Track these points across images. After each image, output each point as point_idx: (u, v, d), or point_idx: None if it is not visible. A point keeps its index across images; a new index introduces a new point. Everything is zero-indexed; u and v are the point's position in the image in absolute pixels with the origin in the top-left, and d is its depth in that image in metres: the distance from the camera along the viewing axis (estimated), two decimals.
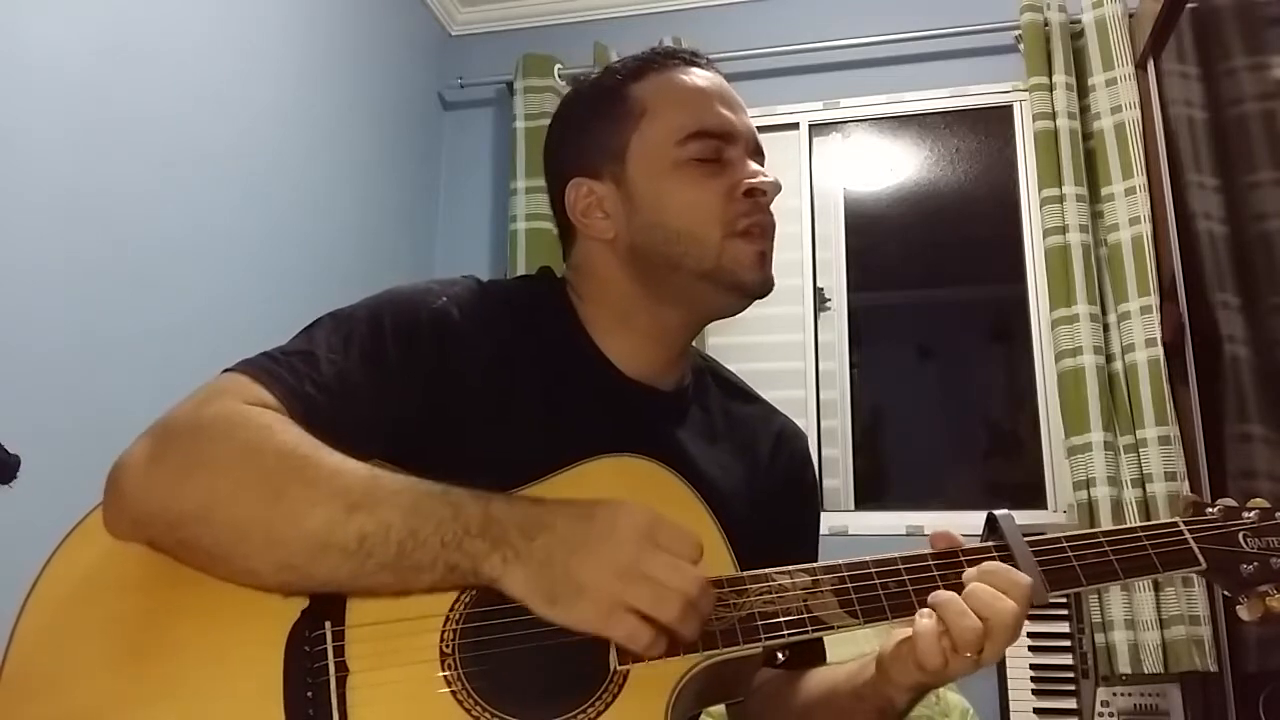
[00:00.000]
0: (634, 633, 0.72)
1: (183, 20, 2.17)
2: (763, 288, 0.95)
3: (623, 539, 0.73)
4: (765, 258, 0.95)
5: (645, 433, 0.94)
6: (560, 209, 1.00)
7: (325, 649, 0.76)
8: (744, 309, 0.98)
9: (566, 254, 1.03)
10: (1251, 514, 0.87)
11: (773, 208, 0.97)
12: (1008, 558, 0.81)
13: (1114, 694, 2.33)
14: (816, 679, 0.97)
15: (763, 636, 0.78)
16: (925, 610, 0.78)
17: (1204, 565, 0.84)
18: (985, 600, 0.76)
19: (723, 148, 0.94)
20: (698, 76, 0.98)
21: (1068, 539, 0.83)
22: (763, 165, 0.97)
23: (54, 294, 1.81)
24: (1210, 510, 0.87)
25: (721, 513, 0.86)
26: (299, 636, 0.76)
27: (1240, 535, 0.85)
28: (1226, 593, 0.86)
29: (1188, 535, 0.85)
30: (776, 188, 0.95)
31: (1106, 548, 0.83)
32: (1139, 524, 0.87)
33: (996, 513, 0.84)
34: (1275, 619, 0.83)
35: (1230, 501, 0.88)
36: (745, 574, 0.81)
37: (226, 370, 0.84)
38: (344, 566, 0.74)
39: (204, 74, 2.23)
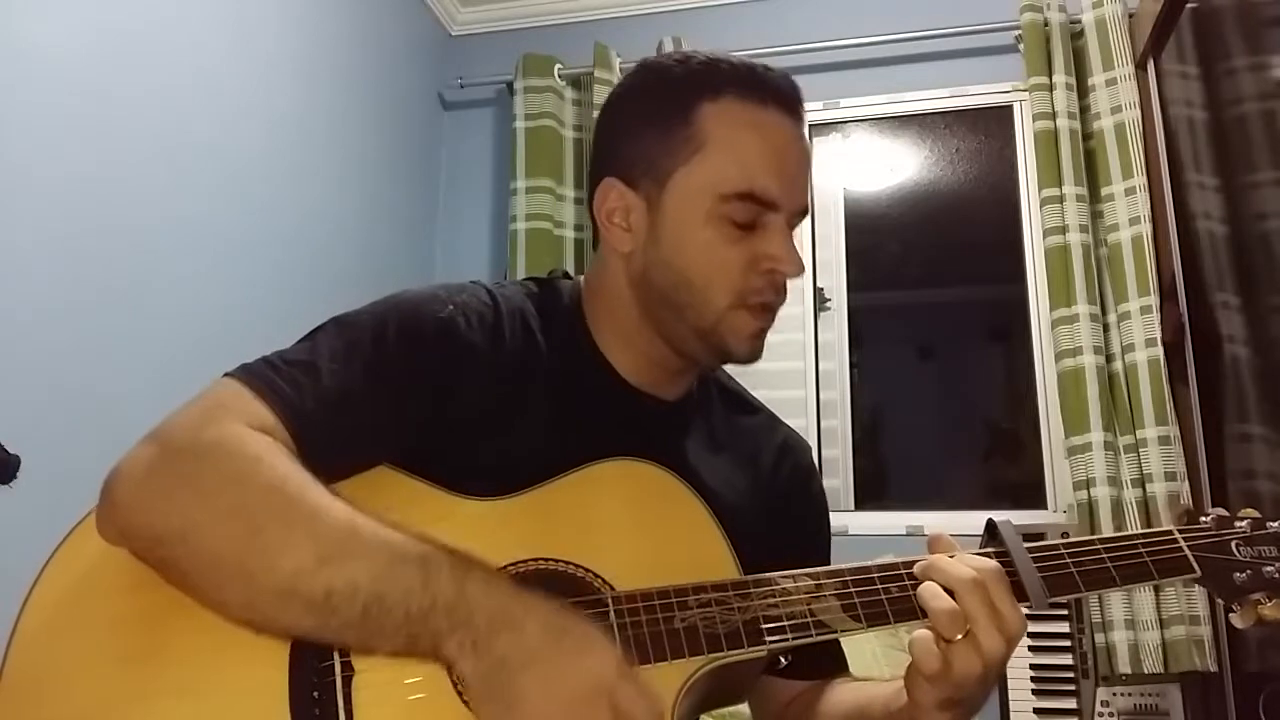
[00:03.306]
0: None
1: (182, 20, 2.17)
2: (747, 361, 0.95)
3: (582, 678, 0.69)
4: (761, 335, 0.94)
5: (649, 442, 0.93)
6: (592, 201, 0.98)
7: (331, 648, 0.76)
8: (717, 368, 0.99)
9: (596, 248, 1.02)
10: (1243, 523, 0.88)
11: None
12: (1007, 563, 0.81)
13: (1114, 694, 2.33)
14: (849, 694, 0.96)
15: (766, 640, 0.78)
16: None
17: (1198, 573, 0.85)
18: (942, 568, 0.78)
19: (764, 214, 0.90)
20: (772, 121, 0.91)
21: (1066, 546, 0.84)
22: (801, 222, 0.95)
23: (54, 294, 1.81)
24: (1204, 519, 0.89)
25: (724, 523, 0.86)
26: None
27: (1233, 544, 0.87)
28: (1220, 600, 0.87)
29: (1183, 543, 0.86)
30: (800, 273, 0.92)
31: (1104, 555, 0.84)
32: (1135, 531, 0.88)
33: (996, 519, 0.85)
34: (1267, 626, 0.84)
35: (1222, 511, 0.89)
36: (749, 578, 0.81)
37: (227, 375, 0.84)
38: (308, 618, 0.72)
39: (203, 74, 2.23)
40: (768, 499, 1.02)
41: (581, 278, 1.03)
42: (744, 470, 1.02)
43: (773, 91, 0.92)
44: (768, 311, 0.93)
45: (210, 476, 0.75)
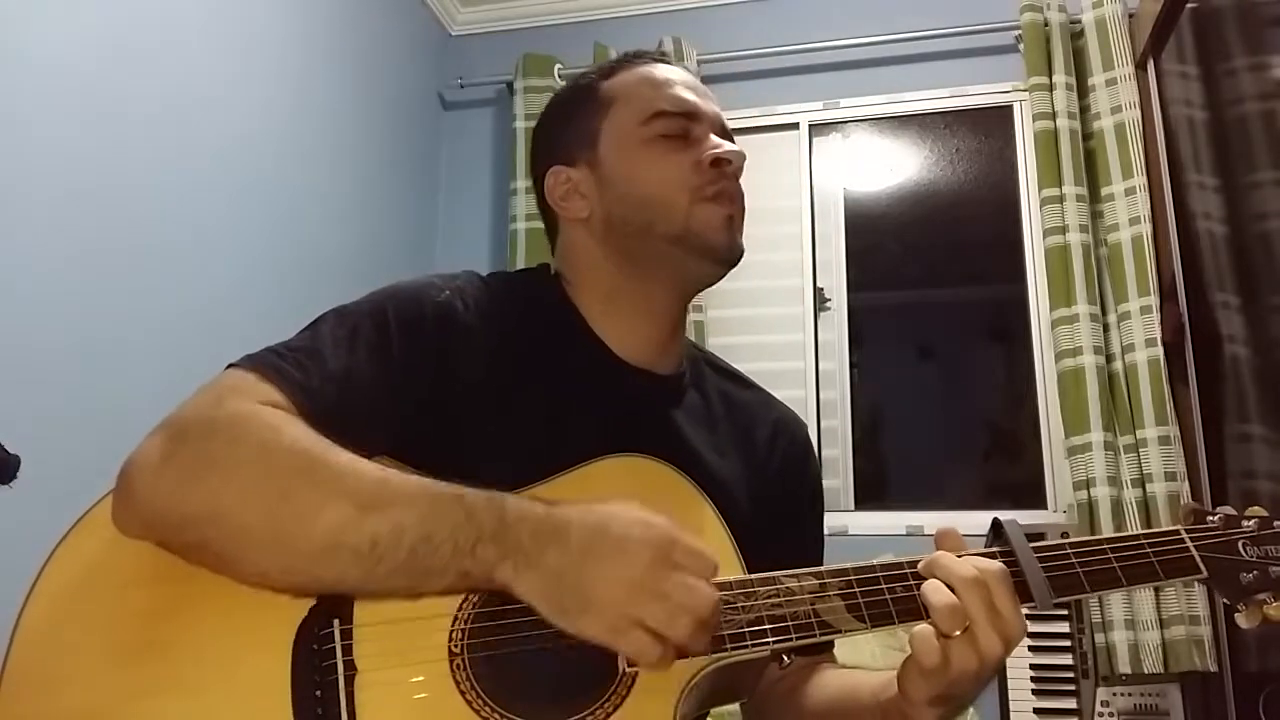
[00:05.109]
0: (642, 649, 0.72)
1: (183, 20, 2.17)
2: (730, 251, 0.97)
3: (638, 552, 0.72)
4: (734, 222, 0.97)
5: (645, 419, 0.95)
6: (544, 202, 1.03)
7: (334, 647, 0.76)
8: (720, 277, 1.00)
9: (553, 247, 1.05)
10: (1251, 523, 0.87)
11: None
12: (1012, 563, 0.81)
13: (1114, 694, 2.33)
14: (836, 680, 0.97)
15: (770, 640, 0.78)
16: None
17: (1205, 573, 0.84)
18: (944, 566, 0.78)
19: (688, 126, 0.98)
20: (662, 69, 1.03)
21: (1071, 546, 0.83)
22: (728, 141, 0.99)
23: (55, 293, 1.81)
24: (1211, 518, 0.88)
25: (722, 502, 0.87)
26: (307, 634, 0.76)
27: (1240, 544, 0.86)
28: (1225, 600, 0.86)
29: (1189, 543, 0.85)
30: (741, 157, 0.98)
31: (1110, 555, 0.83)
32: (1141, 531, 0.87)
33: (1002, 519, 0.84)
34: (1273, 626, 0.84)
35: (1230, 510, 0.88)
36: (753, 577, 0.81)
37: (232, 365, 0.84)
38: (355, 569, 0.73)
39: (204, 74, 2.23)
40: (763, 473, 1.03)
41: (556, 274, 1.05)
42: (740, 444, 1.03)
43: (652, 55, 1.05)
44: (730, 200, 0.97)
45: (231, 451, 0.75)
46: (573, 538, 0.73)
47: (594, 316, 0.99)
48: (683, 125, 0.98)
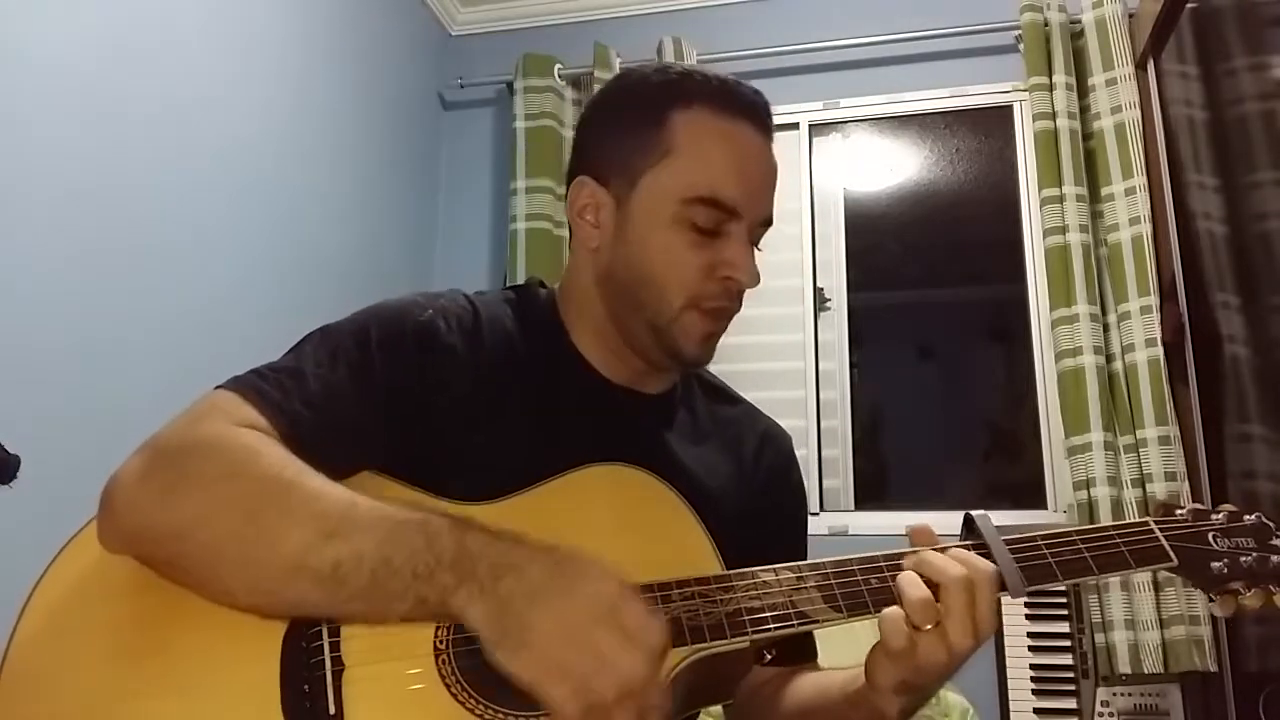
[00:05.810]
0: (561, 703, 0.68)
1: (183, 20, 2.17)
2: (696, 364, 0.98)
3: (585, 600, 0.70)
4: (713, 339, 0.97)
5: (631, 436, 0.96)
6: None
7: (322, 644, 0.77)
8: (673, 369, 1.01)
9: (572, 244, 1.05)
10: (1219, 516, 0.90)
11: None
12: (985, 555, 0.82)
13: (1114, 694, 2.33)
14: (811, 681, 0.98)
15: (749, 630, 0.79)
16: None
17: (1175, 561, 0.86)
18: (937, 565, 0.79)
19: (725, 222, 0.93)
20: (741, 134, 0.94)
21: (1043, 537, 0.86)
22: (764, 233, 0.97)
23: (54, 293, 1.81)
24: (1179, 512, 0.90)
25: (708, 512, 0.88)
26: (296, 633, 0.77)
27: (1209, 535, 0.88)
28: (1199, 589, 0.88)
29: (1158, 533, 0.88)
30: (754, 284, 0.95)
31: (1080, 545, 0.86)
32: (1111, 523, 0.90)
33: (973, 514, 0.86)
34: (1246, 615, 0.85)
35: (1199, 506, 0.91)
36: (731, 573, 0.83)
37: (218, 388, 0.85)
38: (316, 592, 0.73)
39: (204, 73, 2.23)
40: (750, 485, 1.04)
41: (557, 284, 1.05)
42: (727, 458, 1.04)
43: (743, 106, 0.95)
44: (721, 316, 0.96)
45: (206, 470, 0.77)
46: (527, 573, 0.72)
47: (582, 336, 1.00)
48: (719, 221, 0.92)
